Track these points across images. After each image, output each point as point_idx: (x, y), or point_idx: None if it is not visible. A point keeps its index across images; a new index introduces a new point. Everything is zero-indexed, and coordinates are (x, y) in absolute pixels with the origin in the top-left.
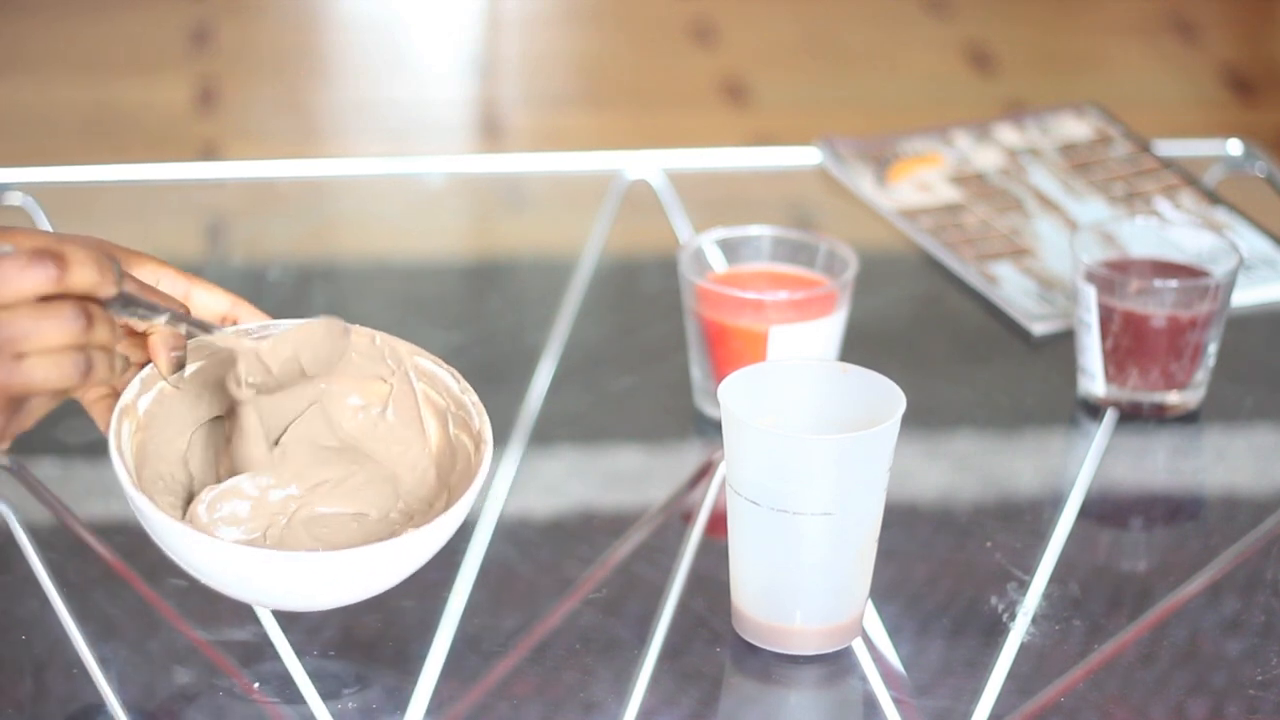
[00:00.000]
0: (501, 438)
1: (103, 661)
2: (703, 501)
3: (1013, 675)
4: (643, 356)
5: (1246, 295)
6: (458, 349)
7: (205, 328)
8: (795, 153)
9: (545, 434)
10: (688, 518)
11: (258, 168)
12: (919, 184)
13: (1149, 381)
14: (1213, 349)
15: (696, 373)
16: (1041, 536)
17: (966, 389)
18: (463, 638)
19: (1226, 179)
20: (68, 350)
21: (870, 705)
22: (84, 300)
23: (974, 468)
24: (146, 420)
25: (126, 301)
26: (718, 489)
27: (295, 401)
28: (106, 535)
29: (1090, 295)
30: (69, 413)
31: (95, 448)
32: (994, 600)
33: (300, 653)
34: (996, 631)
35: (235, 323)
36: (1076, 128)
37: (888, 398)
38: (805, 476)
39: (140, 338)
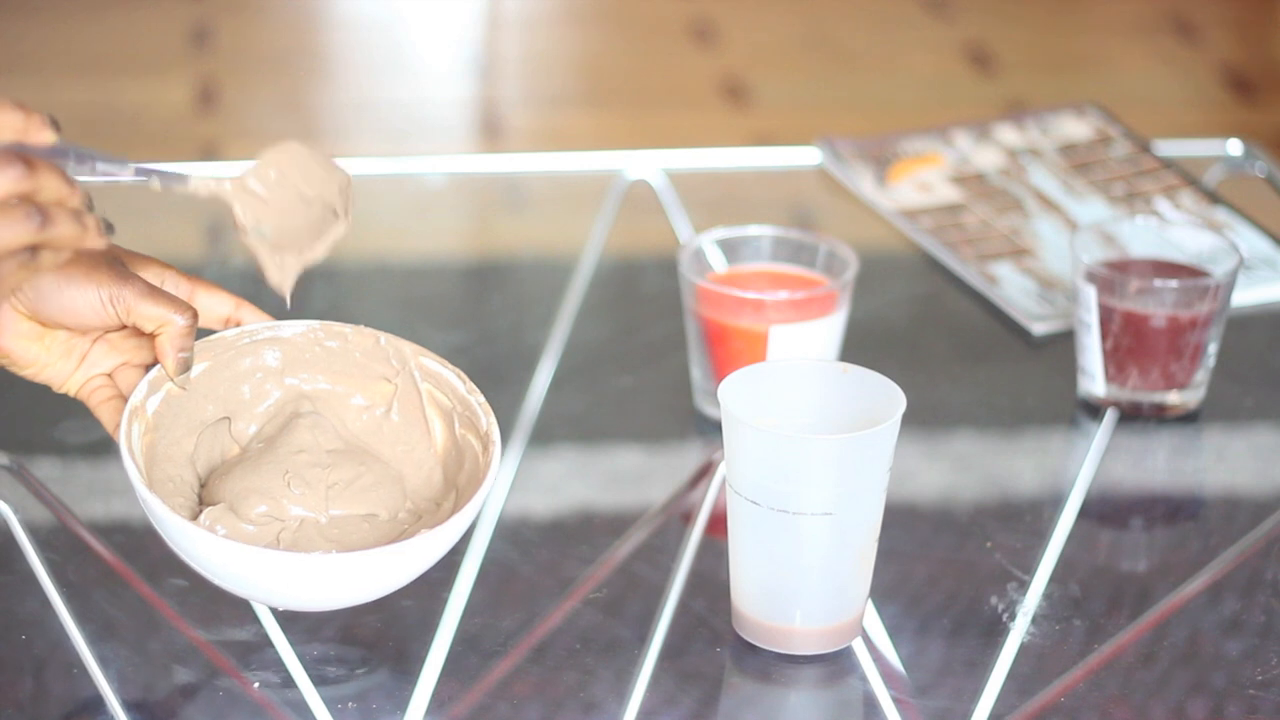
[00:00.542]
0: (501, 438)
1: (103, 661)
2: (703, 501)
3: (1013, 675)
4: (643, 356)
5: (1246, 295)
6: (458, 349)
7: (179, 179)
8: (795, 153)
9: (545, 434)
10: (688, 518)
11: None
12: (919, 184)
13: (1149, 381)
14: (1213, 349)
15: (696, 373)
16: (1041, 536)
17: (966, 389)
18: (463, 638)
19: (1226, 179)
20: (13, 204)
21: (870, 705)
22: (20, 152)
23: (974, 468)
24: (155, 421)
25: (79, 156)
26: (718, 489)
27: (288, 420)
28: (106, 535)
29: (1090, 295)
30: (69, 413)
31: (95, 448)
32: (994, 600)
33: (300, 652)
34: (996, 631)
35: (239, 324)
36: (1076, 128)
37: (888, 398)
38: (805, 476)
39: (148, 339)
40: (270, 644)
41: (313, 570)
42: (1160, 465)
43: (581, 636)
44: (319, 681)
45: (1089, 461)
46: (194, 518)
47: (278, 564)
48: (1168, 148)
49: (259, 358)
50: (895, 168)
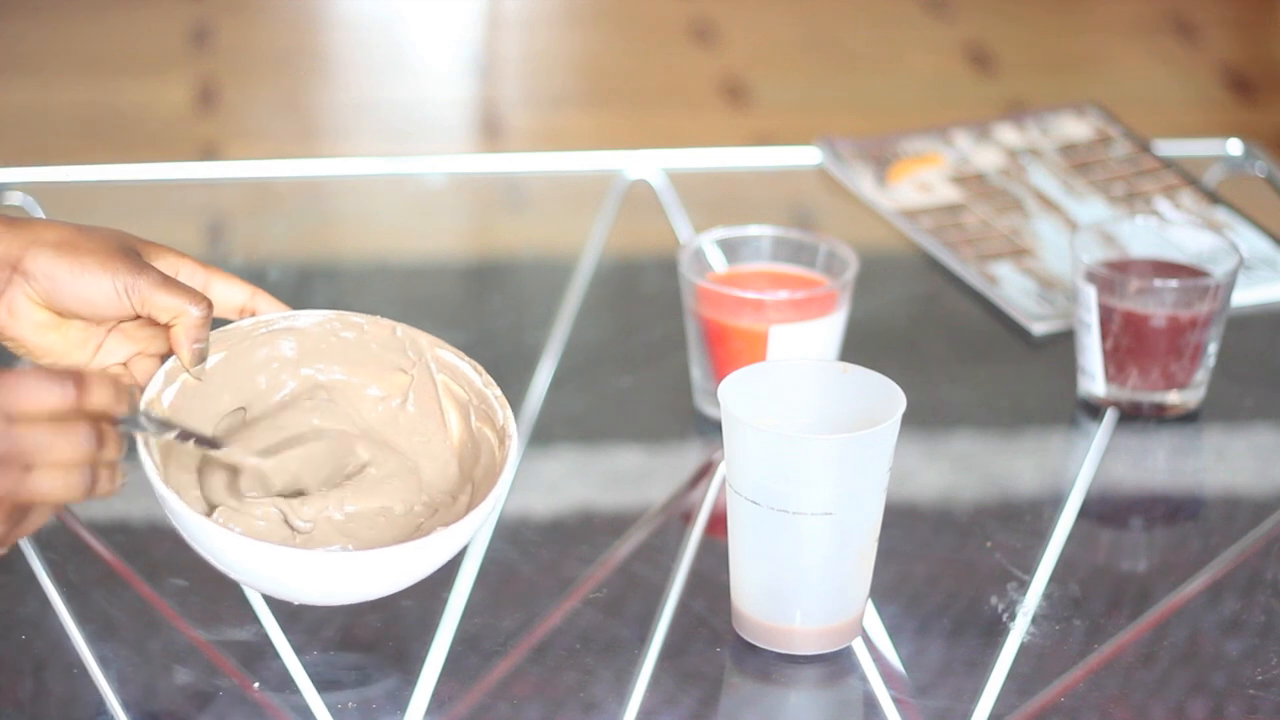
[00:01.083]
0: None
1: (103, 661)
2: (703, 501)
3: (1013, 675)
4: (643, 356)
5: (1246, 295)
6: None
7: (213, 444)
8: (795, 153)
9: (545, 434)
10: (688, 518)
11: (257, 168)
12: (919, 184)
13: (1149, 381)
14: (1213, 349)
15: (696, 373)
16: (1041, 536)
17: (966, 389)
18: (463, 638)
19: (1226, 179)
20: (76, 466)
21: (870, 705)
22: (98, 418)
23: (974, 468)
24: (171, 413)
25: (130, 421)
26: (718, 489)
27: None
28: (106, 535)
29: (1090, 295)
30: None
31: None
32: (994, 600)
33: (300, 653)
34: (996, 631)
35: (254, 314)
36: (1076, 128)
37: (888, 398)
38: (805, 476)
39: (161, 329)
40: (270, 644)
41: (328, 567)
42: (1160, 465)
43: (581, 636)
44: (319, 681)
45: (1089, 461)
46: (209, 510)
47: (293, 561)
48: (1168, 148)
49: (275, 348)
50: (895, 168)
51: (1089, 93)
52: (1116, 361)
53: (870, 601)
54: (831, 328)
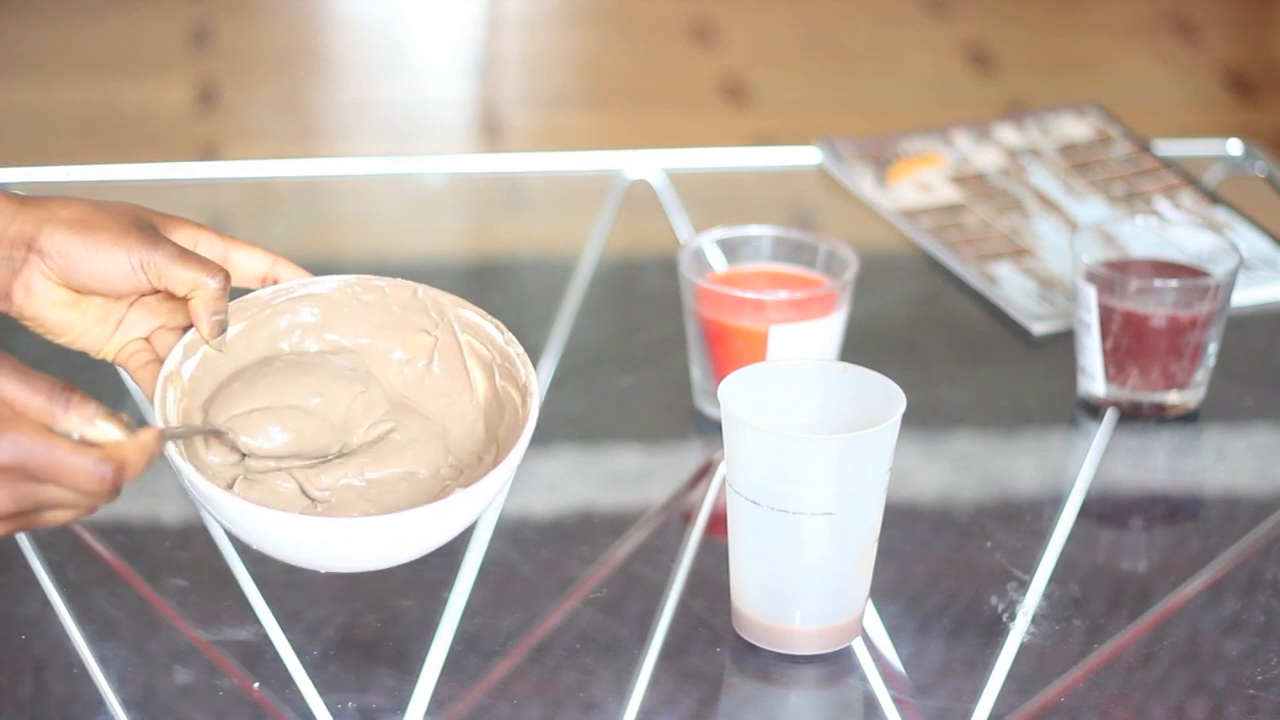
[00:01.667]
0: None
1: (103, 661)
2: (703, 501)
3: (1013, 675)
4: (643, 356)
5: (1246, 295)
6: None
7: (221, 434)
8: (795, 153)
9: (545, 434)
10: (688, 518)
11: (257, 168)
12: (919, 184)
13: (1149, 381)
14: (1213, 349)
15: (696, 373)
16: (1041, 536)
17: (966, 389)
18: (463, 638)
19: (1226, 179)
20: (86, 509)
21: (870, 705)
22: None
23: (974, 468)
24: (191, 386)
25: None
26: (718, 489)
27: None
28: (106, 535)
29: (1090, 295)
30: None
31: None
32: (994, 600)
33: (300, 653)
34: (996, 631)
35: (276, 282)
36: (1076, 128)
37: (888, 398)
38: (805, 476)
39: (181, 302)
40: (270, 644)
41: (351, 534)
42: (1160, 465)
43: (581, 636)
44: (319, 681)
45: (1089, 461)
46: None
47: (315, 529)
48: (1168, 148)
49: (296, 315)
50: (895, 168)
51: (1089, 93)
52: (1116, 361)
53: (870, 601)
54: (831, 328)
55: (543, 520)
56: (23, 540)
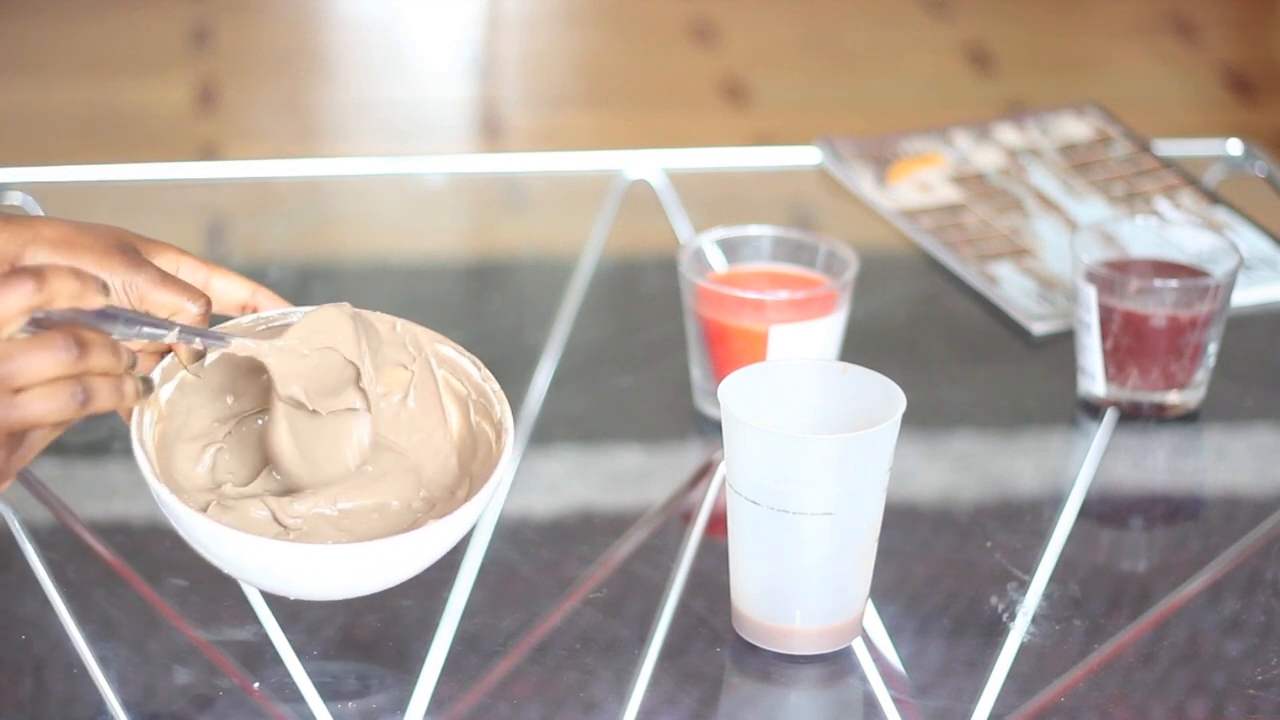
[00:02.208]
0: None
1: (103, 661)
2: (703, 501)
3: (1013, 675)
4: (643, 356)
5: (1246, 295)
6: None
7: (220, 338)
8: (795, 153)
9: (545, 434)
10: (688, 518)
11: (257, 168)
12: (919, 184)
13: (1149, 381)
14: (1213, 349)
15: (696, 373)
16: (1041, 536)
17: (966, 389)
18: (463, 638)
19: (1226, 179)
20: (63, 381)
21: (870, 705)
22: (76, 327)
23: (974, 468)
24: (168, 410)
25: (128, 320)
26: (718, 489)
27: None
28: (106, 535)
29: (1090, 295)
30: None
31: (95, 448)
32: (994, 600)
33: (300, 653)
34: (996, 631)
35: (255, 310)
36: (1076, 128)
37: (888, 398)
38: (805, 476)
39: None
40: (270, 644)
41: (323, 561)
42: (1160, 465)
43: (581, 636)
44: (319, 681)
45: (1089, 461)
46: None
47: (287, 555)
48: (1168, 148)
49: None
50: (895, 168)
51: (1089, 93)
52: (1116, 361)
53: (870, 601)
54: (831, 328)
55: (543, 520)
56: (23, 540)
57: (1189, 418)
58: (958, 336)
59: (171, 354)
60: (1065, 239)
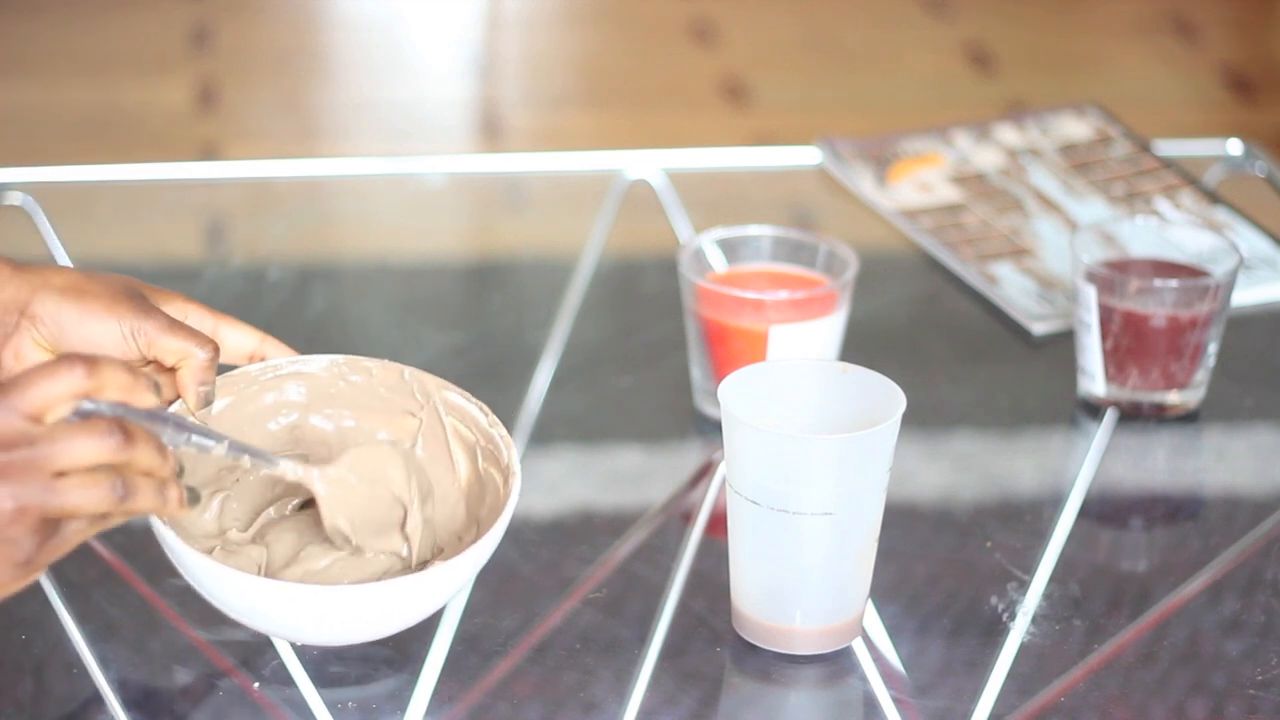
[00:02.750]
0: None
1: (103, 661)
2: (703, 501)
3: (1013, 675)
4: (643, 356)
5: (1246, 295)
6: (458, 349)
7: (268, 460)
8: (795, 153)
9: (545, 434)
10: (688, 518)
11: (257, 168)
12: (919, 184)
13: (1149, 381)
14: (1213, 349)
15: (696, 373)
16: (1041, 536)
17: (966, 389)
18: (463, 638)
19: (1226, 179)
20: (104, 471)
21: (870, 705)
22: (123, 420)
23: (974, 468)
24: (177, 457)
25: (178, 425)
26: (718, 489)
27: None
28: (106, 535)
29: (1090, 295)
30: None
31: None
32: (994, 600)
33: (300, 653)
34: (996, 631)
35: (263, 359)
36: (1076, 128)
37: (888, 398)
38: (805, 476)
39: (168, 376)
40: (270, 644)
41: (329, 603)
42: (1160, 465)
43: (581, 636)
44: (319, 681)
45: (1089, 461)
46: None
47: (293, 597)
48: (1168, 148)
49: (282, 393)
50: (895, 168)
51: (1089, 93)
52: (1116, 361)
53: (870, 601)
54: (831, 328)
55: (543, 520)
56: None
57: (1189, 418)
58: (958, 336)
59: (179, 400)
60: (1065, 239)
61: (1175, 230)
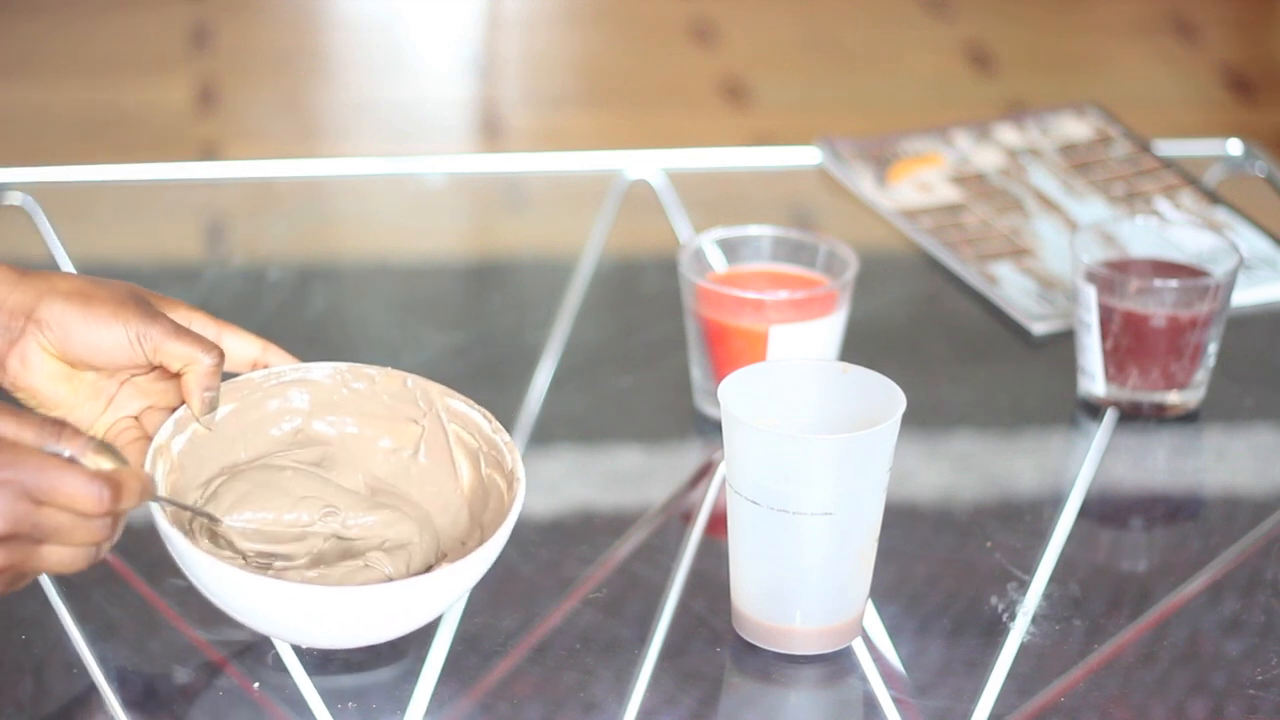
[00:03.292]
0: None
1: (103, 661)
2: (703, 501)
3: (1013, 675)
4: (643, 356)
5: (1246, 295)
6: (458, 349)
7: (214, 519)
8: (795, 153)
9: (545, 434)
10: (688, 518)
11: (258, 168)
12: (919, 184)
13: (1149, 381)
14: (1213, 349)
15: (696, 373)
16: (1041, 536)
17: (966, 389)
18: (463, 638)
19: (1226, 179)
20: (86, 547)
21: (870, 705)
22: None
23: (974, 468)
24: (180, 461)
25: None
26: (718, 489)
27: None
28: None
29: (1090, 295)
30: None
31: None
32: (994, 600)
33: (300, 652)
34: (996, 631)
35: (266, 367)
36: (1076, 128)
37: (888, 398)
38: (805, 476)
39: (175, 382)
40: (270, 644)
41: (331, 604)
42: (1160, 465)
43: (581, 636)
44: (319, 681)
45: (1089, 461)
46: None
47: (294, 597)
48: (1168, 148)
49: (286, 400)
50: (895, 168)
51: (1089, 93)
52: (1116, 361)
53: (870, 601)
54: (831, 328)
55: (543, 520)
56: None
57: (1189, 418)
58: (958, 336)
59: (184, 405)
60: (1065, 239)
61: (1175, 230)
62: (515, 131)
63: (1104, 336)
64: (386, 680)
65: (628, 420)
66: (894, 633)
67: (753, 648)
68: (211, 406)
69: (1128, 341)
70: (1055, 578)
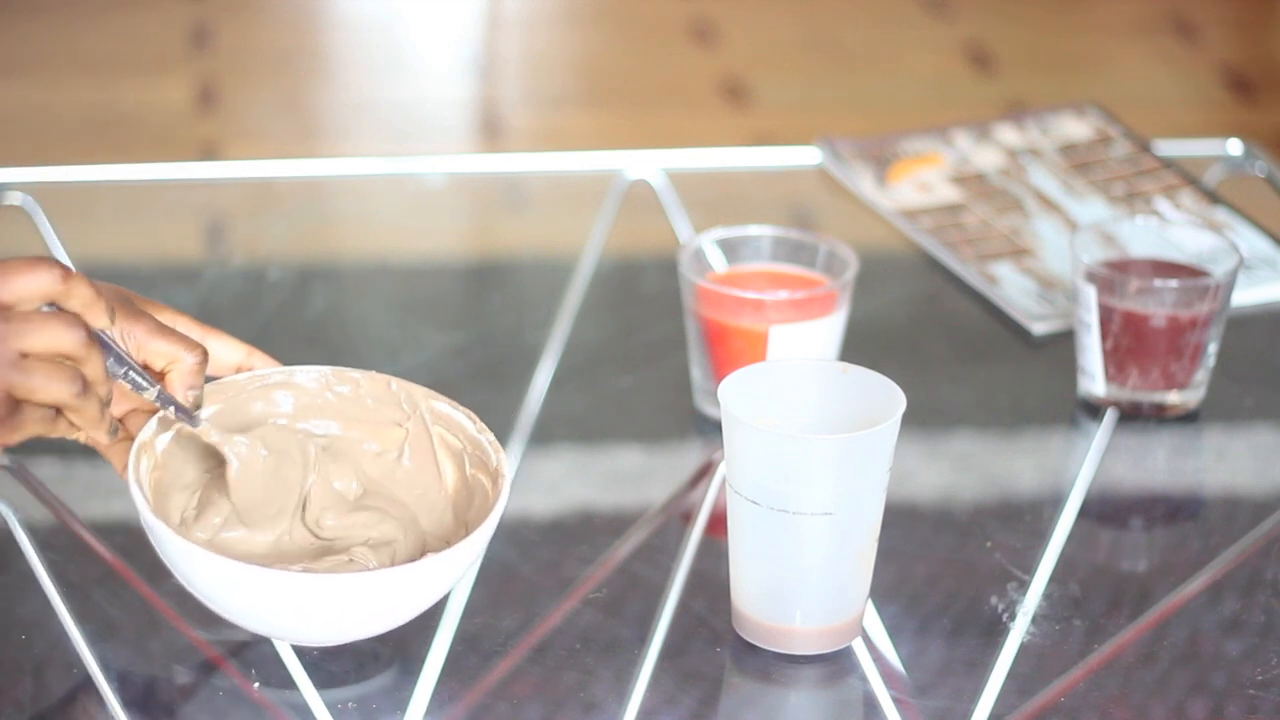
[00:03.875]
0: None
1: (103, 661)
2: (703, 501)
3: (1013, 675)
4: (643, 356)
5: (1246, 295)
6: (458, 349)
7: (191, 418)
8: (795, 153)
9: (545, 434)
10: (688, 518)
11: (258, 168)
12: (919, 184)
13: (1149, 381)
14: (1213, 349)
15: (696, 373)
16: (1041, 536)
17: (966, 389)
18: (463, 638)
19: (1226, 179)
20: (67, 365)
21: (870, 705)
22: (87, 322)
23: (974, 468)
24: (164, 459)
25: (119, 357)
26: (718, 489)
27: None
28: (106, 535)
29: (1090, 295)
30: None
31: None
32: (994, 600)
33: (300, 652)
34: (996, 631)
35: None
36: (1076, 128)
37: (888, 398)
38: (805, 476)
39: (158, 377)
40: (270, 644)
41: (315, 592)
42: (1160, 465)
43: (581, 636)
44: (319, 681)
45: (1089, 461)
46: None
47: (277, 585)
48: (1168, 148)
49: (270, 402)
50: (895, 168)
51: (1089, 93)
52: (1116, 361)
53: (870, 601)
54: (831, 328)
55: (543, 520)
56: (23, 540)
57: (1189, 418)
58: (958, 336)
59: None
60: (1065, 239)
61: (1175, 230)
62: (515, 131)
63: (1104, 336)
64: (386, 680)
65: (628, 420)
66: (894, 633)
67: (753, 648)
68: (195, 405)
69: (1128, 341)
70: (1055, 578)
